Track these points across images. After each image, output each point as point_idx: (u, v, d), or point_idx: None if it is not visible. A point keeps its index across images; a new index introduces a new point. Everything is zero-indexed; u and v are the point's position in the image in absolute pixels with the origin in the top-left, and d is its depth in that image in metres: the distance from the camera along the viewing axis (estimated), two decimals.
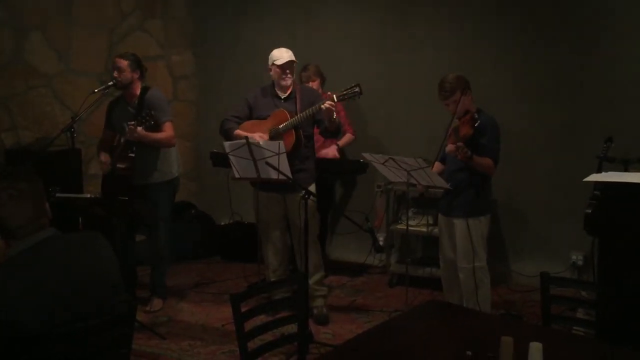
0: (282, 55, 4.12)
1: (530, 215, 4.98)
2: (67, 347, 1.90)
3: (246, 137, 3.89)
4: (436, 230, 4.25)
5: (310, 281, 4.16)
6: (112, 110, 4.36)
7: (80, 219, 4.10)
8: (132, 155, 4.12)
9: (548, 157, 4.85)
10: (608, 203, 3.33)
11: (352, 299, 4.74)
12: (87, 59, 5.31)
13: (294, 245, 4.40)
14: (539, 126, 4.85)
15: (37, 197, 2.05)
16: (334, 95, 3.83)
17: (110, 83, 4.14)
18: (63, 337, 1.90)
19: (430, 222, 4.88)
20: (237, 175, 4.10)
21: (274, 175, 3.83)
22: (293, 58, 4.13)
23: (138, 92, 4.22)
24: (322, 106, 3.84)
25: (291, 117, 4.04)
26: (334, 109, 3.85)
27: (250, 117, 4.25)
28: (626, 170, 3.84)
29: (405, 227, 4.31)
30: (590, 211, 3.36)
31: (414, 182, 3.80)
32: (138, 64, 4.20)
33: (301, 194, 3.71)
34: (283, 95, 4.21)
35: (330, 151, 4.96)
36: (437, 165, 3.87)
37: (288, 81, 4.17)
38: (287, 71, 4.13)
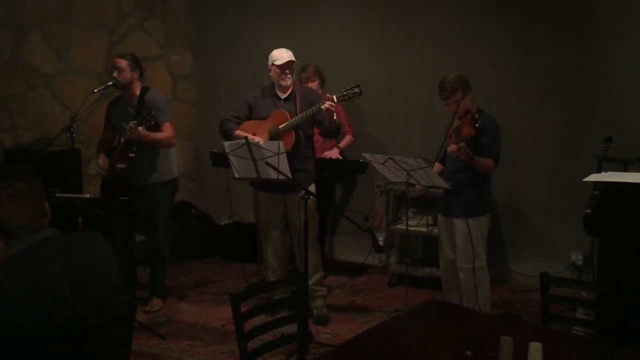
0: (281, 55, 4.12)
1: (530, 215, 4.98)
2: (66, 347, 1.90)
3: (246, 137, 3.89)
4: (436, 230, 4.25)
5: (310, 281, 4.16)
6: (112, 110, 4.36)
7: (80, 219, 4.10)
8: (132, 155, 4.12)
9: (548, 157, 4.85)
10: (608, 203, 3.33)
11: (351, 299, 4.74)
12: (87, 59, 5.31)
13: (293, 246, 4.40)
14: (539, 126, 4.85)
15: (37, 197, 2.05)
16: (334, 96, 3.83)
17: (110, 83, 4.14)
18: (62, 337, 1.90)
19: (430, 222, 4.88)
20: (236, 176, 4.10)
21: (273, 175, 3.83)
22: (293, 58, 4.13)
23: (137, 92, 4.22)
24: (322, 106, 3.84)
25: (291, 118, 4.04)
26: (333, 109, 3.85)
27: (250, 118, 4.25)
28: (626, 170, 3.84)
29: (405, 227, 4.31)
30: (589, 211, 3.37)
31: (414, 182, 3.80)
32: (137, 64, 4.20)
33: (301, 194, 3.71)
34: (283, 96, 4.21)
35: (332, 153, 4.96)
36: (437, 166, 3.87)
37: (288, 81, 4.17)
38: (287, 71, 4.13)
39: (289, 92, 4.21)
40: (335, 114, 3.90)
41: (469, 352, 2.02)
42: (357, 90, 3.80)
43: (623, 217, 3.27)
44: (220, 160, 4.45)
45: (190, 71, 6.33)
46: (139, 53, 4.37)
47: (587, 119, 4.67)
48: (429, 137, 4.71)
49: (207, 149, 5.14)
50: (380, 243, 5.33)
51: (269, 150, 3.78)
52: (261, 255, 4.42)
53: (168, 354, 3.81)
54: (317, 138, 4.48)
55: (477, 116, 3.60)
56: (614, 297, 2.75)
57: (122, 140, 4.12)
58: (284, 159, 3.79)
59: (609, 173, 3.55)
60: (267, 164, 3.81)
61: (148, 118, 3.97)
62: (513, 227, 5.03)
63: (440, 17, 5.11)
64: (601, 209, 3.34)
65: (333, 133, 4.17)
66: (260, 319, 2.66)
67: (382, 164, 3.81)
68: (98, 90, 4.15)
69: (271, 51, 4.20)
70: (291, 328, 2.59)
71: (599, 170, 3.84)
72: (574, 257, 4.77)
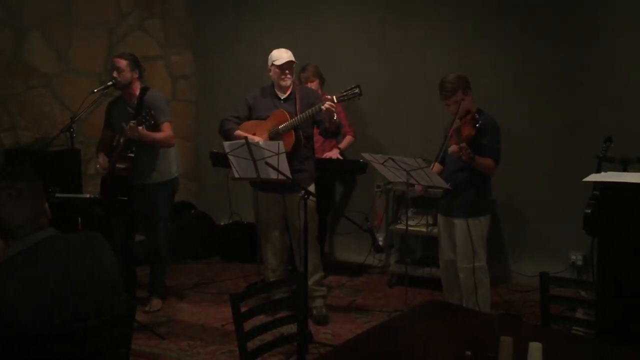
0: (281, 55, 4.12)
1: (529, 215, 4.98)
2: (66, 347, 1.90)
3: (245, 137, 3.89)
4: (436, 230, 4.25)
5: (310, 281, 4.16)
6: (111, 110, 4.36)
7: (79, 219, 4.10)
8: (132, 155, 4.12)
9: (548, 157, 4.85)
10: (607, 203, 3.33)
11: (351, 299, 4.74)
12: (87, 59, 5.31)
13: (293, 246, 4.40)
14: (539, 126, 4.85)
15: (37, 197, 2.05)
16: (334, 97, 3.83)
17: (110, 83, 4.14)
18: (62, 337, 1.90)
19: (430, 222, 4.88)
20: (236, 176, 4.10)
21: (273, 175, 3.83)
22: (292, 58, 4.13)
23: (137, 92, 4.22)
24: (323, 107, 3.84)
25: (291, 118, 4.04)
26: (334, 109, 3.85)
27: (249, 118, 4.25)
28: (625, 170, 3.84)
29: (404, 227, 4.31)
30: (589, 211, 3.36)
31: (414, 182, 3.80)
32: (137, 64, 4.20)
33: (301, 194, 3.71)
34: (283, 96, 4.21)
35: (332, 154, 4.95)
36: (437, 167, 3.86)
37: (287, 81, 4.17)
38: (287, 71, 4.13)
39: (288, 93, 4.21)
40: (335, 114, 3.90)
41: (468, 352, 2.02)
42: (357, 90, 3.80)
43: (623, 217, 3.27)
44: (220, 160, 4.45)
45: (190, 71, 6.33)
46: (138, 53, 4.37)
47: (587, 119, 4.67)
48: (428, 137, 4.72)
49: (207, 149, 5.13)
50: (380, 243, 5.33)
51: (268, 150, 3.78)
52: (261, 255, 4.42)
53: (168, 354, 3.81)
54: (317, 138, 4.48)
55: (477, 116, 3.60)
56: (614, 297, 2.75)
57: (121, 140, 4.12)
58: (283, 159, 3.79)
59: (609, 173, 3.55)
60: (267, 164, 3.81)
61: (148, 118, 3.97)
62: (513, 227, 5.03)
63: (440, 17, 5.11)
64: (601, 209, 3.34)
65: (333, 133, 4.17)
66: (260, 319, 2.67)
67: (382, 164, 3.81)
68: (98, 90, 4.15)
69: (271, 51, 4.20)
70: (291, 328, 2.59)
71: (598, 170, 3.84)
72: (573, 257, 4.77)
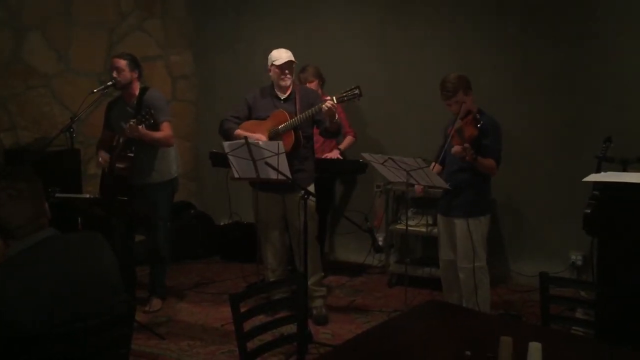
0: (281, 55, 4.12)
1: (529, 215, 4.97)
2: (66, 347, 1.90)
3: (245, 137, 3.89)
4: (435, 230, 4.25)
5: (309, 282, 4.15)
6: (111, 110, 4.36)
7: (79, 219, 4.10)
8: (131, 155, 4.13)
9: (548, 157, 4.85)
10: (607, 203, 3.33)
11: (351, 299, 4.74)
12: (87, 59, 5.31)
13: (292, 246, 4.40)
14: (539, 126, 4.85)
15: (36, 197, 2.05)
16: (334, 97, 3.83)
17: (110, 83, 4.14)
18: (62, 337, 1.90)
19: (430, 222, 4.88)
20: (236, 176, 4.10)
21: (273, 175, 3.83)
22: (292, 58, 4.13)
23: (137, 92, 4.22)
24: (324, 106, 3.83)
25: (291, 118, 4.04)
26: (335, 109, 3.85)
27: (249, 118, 4.25)
28: (625, 170, 3.84)
29: (404, 227, 4.31)
30: (589, 211, 3.37)
31: (413, 182, 3.80)
32: (136, 64, 4.21)
33: (300, 194, 3.71)
34: (282, 96, 4.20)
35: (332, 155, 4.95)
36: (436, 167, 3.86)
37: (287, 81, 4.17)
38: (286, 71, 4.13)
39: (288, 93, 4.21)
40: (337, 115, 3.90)
41: (468, 352, 2.02)
42: (356, 91, 3.79)
43: (622, 217, 3.27)
44: (220, 160, 4.45)
45: (190, 71, 6.33)
46: (138, 53, 4.38)
47: (587, 119, 4.67)
48: (428, 137, 4.71)
49: (207, 149, 5.14)
50: (380, 243, 5.33)
51: (268, 150, 3.78)
52: (260, 255, 4.42)
53: (168, 354, 3.81)
54: (317, 138, 4.48)
55: (478, 116, 3.60)
56: (614, 297, 2.75)
57: (121, 140, 4.12)
58: (283, 159, 3.79)
59: (609, 173, 3.55)
60: (267, 164, 3.81)
61: (147, 117, 3.98)
62: (513, 227, 5.03)
63: (440, 17, 5.11)
64: (600, 209, 3.34)
65: (334, 133, 4.17)
66: (260, 319, 2.67)
67: (382, 164, 3.81)
68: (97, 90, 4.15)
69: (271, 51, 4.20)
70: (291, 328, 2.59)
71: (598, 170, 3.84)
72: (573, 257, 4.77)
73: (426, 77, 4.79)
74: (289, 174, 3.82)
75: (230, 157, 3.98)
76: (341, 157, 5.00)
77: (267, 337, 2.55)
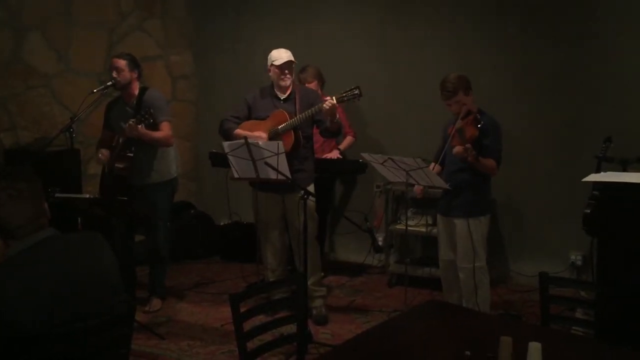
0: (280, 55, 4.12)
1: (529, 215, 4.97)
2: (66, 347, 1.90)
3: (245, 137, 3.89)
4: (435, 230, 4.25)
5: (309, 282, 4.15)
6: (111, 110, 4.36)
7: (79, 219, 4.10)
8: (131, 155, 4.13)
9: (548, 157, 4.85)
10: (607, 203, 3.33)
11: (351, 299, 4.74)
12: (87, 59, 5.31)
13: (292, 246, 4.40)
14: (539, 126, 4.85)
15: (36, 197, 2.05)
16: (334, 98, 3.83)
17: (109, 83, 4.14)
18: (62, 337, 1.90)
19: (430, 222, 4.88)
20: (236, 176, 4.10)
21: (273, 175, 3.83)
22: (292, 58, 4.13)
23: (136, 92, 4.22)
24: (324, 105, 3.83)
25: (290, 118, 4.04)
26: (335, 108, 3.85)
27: (249, 118, 4.25)
28: (625, 170, 3.84)
29: (404, 227, 4.31)
30: (589, 211, 3.37)
31: (413, 182, 3.80)
32: (135, 64, 4.21)
33: (300, 194, 3.71)
34: (282, 96, 4.20)
35: (332, 155, 4.95)
36: (436, 168, 3.86)
37: (287, 82, 4.16)
38: (286, 71, 4.13)
39: (288, 93, 4.21)
40: (337, 114, 3.90)
41: (468, 352, 2.02)
42: (356, 92, 3.79)
43: (622, 217, 3.27)
44: (220, 160, 4.45)
45: (190, 71, 6.33)
46: (138, 53, 4.38)
47: (587, 119, 4.67)
48: (428, 137, 4.71)
49: (207, 149, 5.14)
50: (380, 243, 5.33)
51: (268, 150, 3.78)
52: (260, 255, 4.42)
53: (167, 354, 3.81)
54: (317, 138, 4.48)
55: (478, 117, 3.60)
56: (613, 297, 2.75)
57: (120, 140, 4.13)
58: (283, 159, 3.79)
59: (608, 173, 3.55)
60: (267, 164, 3.81)
61: (147, 116, 3.98)
62: (513, 227, 5.03)
63: (440, 17, 5.11)
64: (600, 209, 3.34)
65: (334, 133, 4.17)
66: (260, 319, 2.67)
67: (382, 164, 3.81)
68: (97, 91, 4.15)
69: (271, 51, 4.20)
70: (290, 328, 2.59)
71: (598, 170, 3.84)
72: (573, 257, 4.77)
73: (426, 77, 4.79)
74: (288, 174, 3.82)
75: (230, 157, 3.98)
76: (341, 157, 5.00)
77: (267, 337, 2.55)
